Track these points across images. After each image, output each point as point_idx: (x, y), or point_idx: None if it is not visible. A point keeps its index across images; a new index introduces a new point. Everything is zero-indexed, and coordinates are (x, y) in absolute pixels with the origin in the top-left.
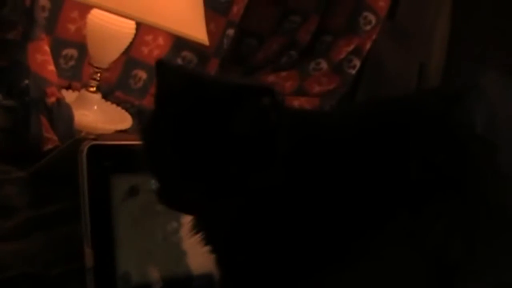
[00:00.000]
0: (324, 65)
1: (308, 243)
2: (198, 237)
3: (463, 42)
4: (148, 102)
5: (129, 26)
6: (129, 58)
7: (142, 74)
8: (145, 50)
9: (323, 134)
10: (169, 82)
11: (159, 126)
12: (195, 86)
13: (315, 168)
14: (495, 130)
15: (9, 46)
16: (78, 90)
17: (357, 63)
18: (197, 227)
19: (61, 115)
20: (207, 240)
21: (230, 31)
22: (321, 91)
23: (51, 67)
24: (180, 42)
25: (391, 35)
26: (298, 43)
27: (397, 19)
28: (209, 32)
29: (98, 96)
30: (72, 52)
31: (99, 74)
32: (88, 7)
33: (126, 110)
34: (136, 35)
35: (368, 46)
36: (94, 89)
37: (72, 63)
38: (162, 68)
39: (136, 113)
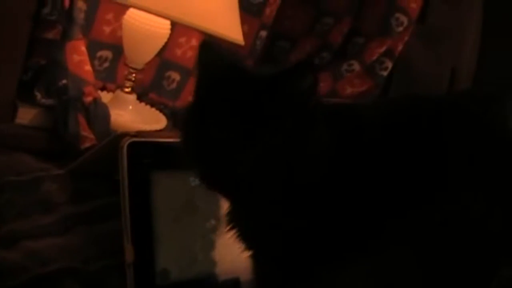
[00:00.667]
0: (356, 66)
1: (349, 230)
2: (233, 233)
3: (495, 47)
4: (181, 103)
5: (164, 26)
6: (163, 60)
7: (176, 76)
8: (179, 52)
9: (363, 125)
10: (212, 63)
11: (204, 103)
12: (239, 70)
13: (358, 159)
14: None
15: (49, 46)
16: (113, 91)
17: (389, 65)
18: (233, 222)
19: (98, 114)
20: (243, 236)
21: (263, 33)
22: (353, 93)
23: (88, 67)
24: None
25: (422, 38)
26: (330, 45)
27: (428, 23)
28: (243, 34)
29: (133, 96)
30: (106, 53)
31: (134, 75)
32: (122, 10)
33: (160, 111)
34: (170, 37)
35: (400, 48)
36: (129, 89)
37: (106, 64)
38: (205, 48)
39: (170, 114)
